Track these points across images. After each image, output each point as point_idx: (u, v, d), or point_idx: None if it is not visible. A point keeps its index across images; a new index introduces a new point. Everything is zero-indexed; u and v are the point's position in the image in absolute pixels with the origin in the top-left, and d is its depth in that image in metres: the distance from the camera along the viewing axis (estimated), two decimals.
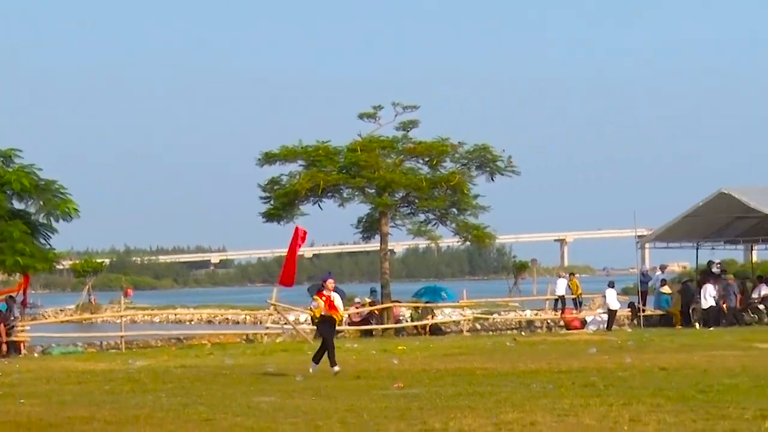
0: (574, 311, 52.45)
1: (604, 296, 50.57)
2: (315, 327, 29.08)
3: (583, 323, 50.77)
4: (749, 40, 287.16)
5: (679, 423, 15.90)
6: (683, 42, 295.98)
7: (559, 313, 52.31)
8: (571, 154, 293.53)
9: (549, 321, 52.49)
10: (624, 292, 62.35)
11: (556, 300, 53.66)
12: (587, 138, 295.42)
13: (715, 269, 53.45)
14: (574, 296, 53.39)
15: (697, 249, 56.48)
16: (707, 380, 22.42)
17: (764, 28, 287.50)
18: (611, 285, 50.08)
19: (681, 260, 75.03)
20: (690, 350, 32.01)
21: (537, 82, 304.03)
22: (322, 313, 27.01)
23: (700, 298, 48.57)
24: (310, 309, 28.46)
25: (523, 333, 48.35)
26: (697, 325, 47.55)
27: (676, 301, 50.65)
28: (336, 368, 26.16)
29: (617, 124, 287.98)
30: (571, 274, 58.75)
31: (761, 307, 48.81)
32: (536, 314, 55.30)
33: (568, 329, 49.41)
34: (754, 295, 49.78)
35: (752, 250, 62.84)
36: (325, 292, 27.25)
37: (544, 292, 59.38)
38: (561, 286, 53.64)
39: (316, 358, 26.90)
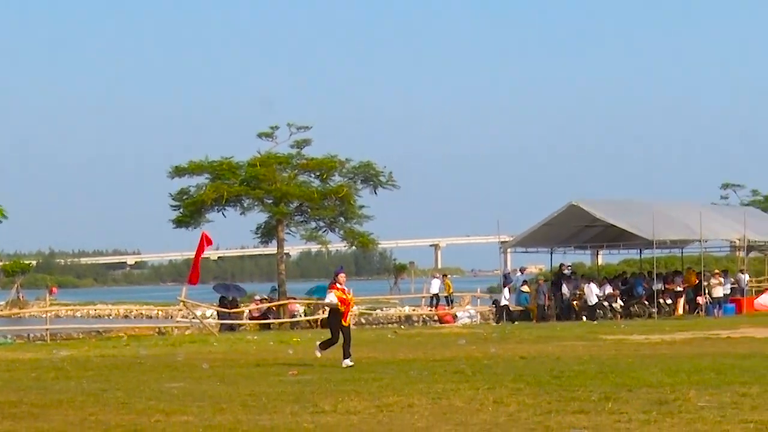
0: (447, 307, 52.80)
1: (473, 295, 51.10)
2: (328, 319, 25.06)
3: (455, 318, 51.08)
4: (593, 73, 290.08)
5: (536, 404, 16.01)
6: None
7: (434, 309, 52.66)
8: (445, 169, 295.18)
9: (425, 316, 52.76)
10: (489, 290, 62.97)
11: (431, 297, 54.10)
12: (459, 155, 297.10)
13: (566, 271, 54.34)
14: (446, 294, 53.96)
15: (551, 253, 57.16)
16: (560, 367, 22.60)
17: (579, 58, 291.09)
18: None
19: (538, 263, 75.68)
20: (545, 341, 32.31)
21: (414, 104, 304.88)
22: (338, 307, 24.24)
23: (545, 296, 49.72)
24: (329, 302, 24.84)
25: (402, 326, 48.48)
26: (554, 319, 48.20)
27: (533, 299, 51.26)
28: (349, 362, 23.81)
29: (485, 144, 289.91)
30: (444, 275, 59.37)
31: (605, 303, 49.47)
32: (414, 310, 55.57)
33: (441, 323, 49.70)
34: (600, 293, 50.44)
35: (598, 254, 63.96)
36: (338, 285, 24.46)
37: (420, 290, 59.76)
38: (435, 286, 54.18)
39: (324, 346, 24.72)
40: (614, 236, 53.85)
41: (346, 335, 24.16)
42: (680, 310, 50.05)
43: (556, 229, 53.11)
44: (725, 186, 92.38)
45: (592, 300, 49.05)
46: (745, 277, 54.50)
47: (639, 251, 59.02)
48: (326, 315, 25.82)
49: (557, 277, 53.04)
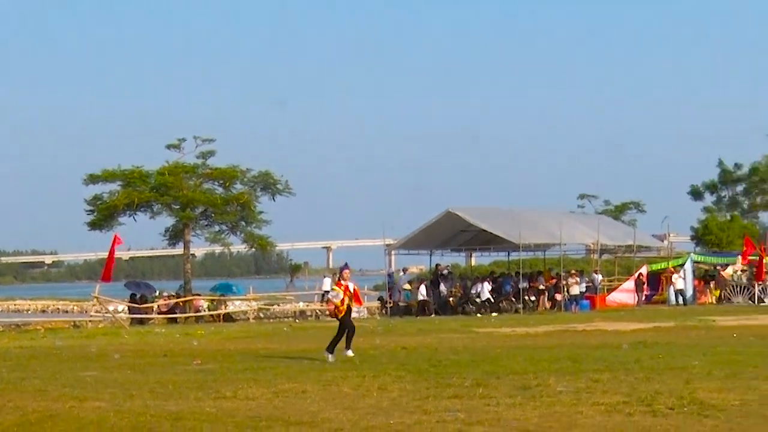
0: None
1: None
2: (338, 317, 22.85)
3: None
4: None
5: (416, 390, 16.12)
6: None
7: (326, 304, 52.64)
8: (337, 178, 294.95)
9: (317, 311, 52.67)
10: (375, 288, 63.13)
11: (323, 294, 54.09)
12: (349, 166, 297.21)
13: (444, 271, 54.73)
14: None
15: (430, 255, 57.45)
16: (437, 356, 22.75)
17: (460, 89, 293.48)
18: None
19: (419, 264, 76.05)
20: (425, 334, 32.45)
21: (309, 119, 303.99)
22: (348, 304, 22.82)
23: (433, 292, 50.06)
24: (331, 300, 23.54)
25: (297, 321, 48.36)
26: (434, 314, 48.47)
27: (415, 296, 51.54)
28: (350, 352, 22.46)
29: (374, 155, 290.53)
30: (334, 274, 59.37)
31: (478, 300, 49.97)
32: (307, 306, 55.45)
33: (332, 317, 49.63)
34: (473, 291, 50.88)
35: (471, 256, 64.50)
36: (343, 282, 22.98)
37: (313, 288, 59.80)
38: (327, 284, 54.17)
39: (330, 348, 22.39)
40: (486, 240, 54.33)
41: (350, 328, 22.74)
42: (543, 306, 50.72)
43: (434, 233, 53.48)
44: (582, 197, 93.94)
45: (485, 296, 49.78)
46: (599, 277, 55.49)
47: (507, 253, 59.53)
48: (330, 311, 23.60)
49: (435, 277, 53.41)
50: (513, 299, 50.39)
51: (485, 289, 50.00)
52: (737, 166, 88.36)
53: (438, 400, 14.98)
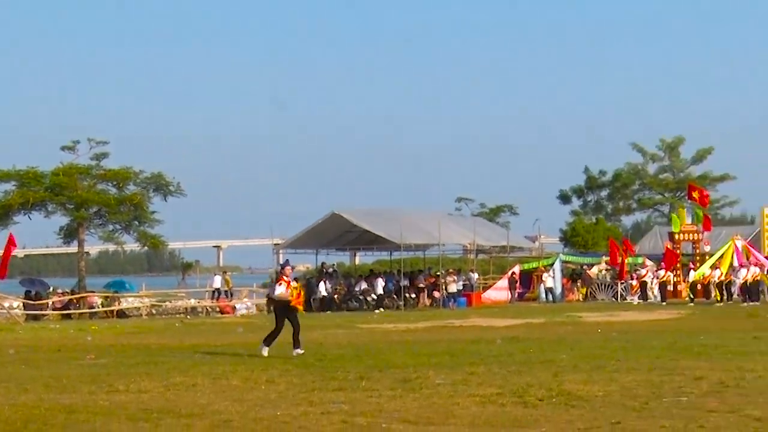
0: (227, 300, 52.53)
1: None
2: (271, 310, 21.81)
3: (234, 309, 50.80)
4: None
5: (302, 383, 16.12)
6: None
7: (216, 301, 52.35)
8: (227, 180, 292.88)
9: (208, 308, 52.25)
10: (264, 286, 62.78)
11: (213, 291, 53.87)
12: (238, 169, 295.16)
13: (329, 270, 54.85)
14: (227, 289, 53.85)
15: (316, 254, 57.50)
16: (323, 351, 22.75)
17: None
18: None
19: (305, 262, 76.09)
20: (311, 329, 32.30)
21: (198, 123, 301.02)
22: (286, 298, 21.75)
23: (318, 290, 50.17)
24: (280, 294, 21.93)
25: (188, 317, 47.83)
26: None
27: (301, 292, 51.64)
28: (299, 350, 21.18)
29: (261, 159, 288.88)
30: (225, 272, 59.26)
31: (361, 297, 50.17)
32: (198, 302, 54.88)
33: (222, 314, 49.32)
34: (357, 288, 51.04)
35: (355, 255, 64.68)
36: (285, 278, 22.04)
37: (204, 285, 59.37)
38: (217, 281, 54.10)
39: (296, 343, 21.35)
40: (369, 240, 54.55)
41: (295, 325, 21.52)
42: (423, 303, 51.07)
43: (320, 233, 53.54)
44: (459, 199, 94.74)
45: (378, 291, 50.13)
46: (475, 276, 56.04)
47: (389, 253, 59.82)
48: (271, 307, 22.86)
49: (321, 275, 53.46)
50: (395, 296, 50.66)
51: (380, 285, 50.29)
52: (602, 172, 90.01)
53: (323, 393, 14.98)
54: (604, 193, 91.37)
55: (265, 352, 21.22)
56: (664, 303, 47.97)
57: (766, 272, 46.75)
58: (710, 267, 48.52)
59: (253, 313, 49.12)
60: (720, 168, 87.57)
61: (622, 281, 53.63)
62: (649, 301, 49.91)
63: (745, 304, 43.82)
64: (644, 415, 12.19)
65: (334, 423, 12.16)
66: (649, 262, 55.48)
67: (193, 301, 54.38)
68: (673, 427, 11.29)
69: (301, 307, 22.20)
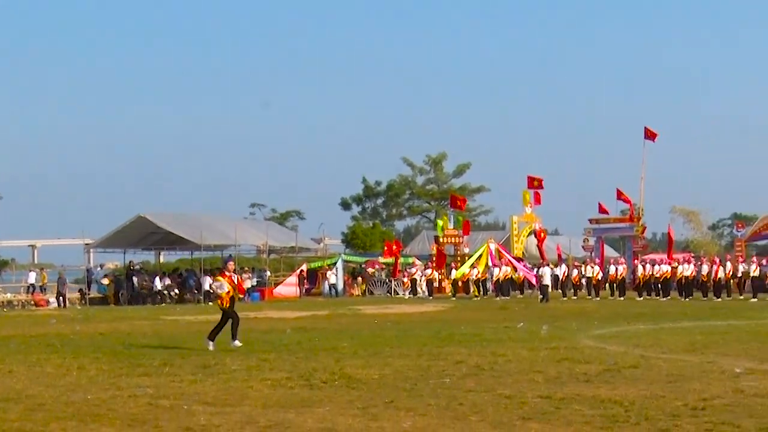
0: (41, 294, 50.76)
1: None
2: (222, 307, 19.99)
3: (48, 303, 49.10)
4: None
5: (111, 370, 15.80)
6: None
7: (31, 296, 50.51)
8: (40, 183, 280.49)
9: (23, 301, 50.33)
10: (75, 281, 60.95)
11: (29, 287, 52.01)
12: (48, 173, 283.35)
13: (136, 267, 53.76)
14: (41, 284, 52.03)
15: (124, 253, 56.26)
16: (130, 340, 22.38)
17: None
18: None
19: (114, 261, 74.14)
20: (120, 321, 31.78)
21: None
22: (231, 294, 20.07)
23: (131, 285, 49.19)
24: (214, 289, 20.78)
25: (5, 310, 45.94)
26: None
27: (110, 288, 50.50)
28: (237, 342, 19.64)
29: (71, 163, 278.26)
30: (40, 269, 57.16)
31: (165, 292, 49.53)
32: (14, 297, 52.83)
33: (37, 307, 47.60)
34: (161, 284, 50.21)
35: (160, 254, 63.50)
36: (227, 273, 20.44)
37: (20, 281, 57.29)
38: (32, 277, 52.23)
39: (212, 336, 19.72)
40: (173, 240, 53.75)
41: (234, 318, 19.94)
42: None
43: (128, 234, 52.51)
44: (253, 205, 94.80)
45: (206, 287, 49.45)
46: (267, 273, 55.96)
47: (191, 252, 59.04)
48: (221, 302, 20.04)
49: (129, 272, 52.30)
50: (196, 291, 50.06)
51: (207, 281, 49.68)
52: (377, 183, 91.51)
53: (130, 378, 14.71)
54: (379, 201, 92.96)
55: (211, 346, 19.27)
56: (431, 297, 49.02)
57: (518, 272, 48.29)
58: (469, 266, 49.84)
59: (63, 306, 47.49)
60: (477, 180, 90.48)
61: (395, 278, 54.53)
62: (418, 295, 50.88)
63: (498, 298, 45.23)
64: (414, 395, 12.43)
65: (140, 405, 11.94)
66: (418, 262, 56.67)
67: (9, 296, 52.28)
68: (437, 404, 11.56)
69: (226, 305, 20.15)
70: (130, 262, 54.51)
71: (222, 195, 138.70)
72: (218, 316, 20.59)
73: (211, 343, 19.47)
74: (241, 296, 20.69)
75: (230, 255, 24.42)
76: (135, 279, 50.47)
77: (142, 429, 10.34)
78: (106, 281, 51.70)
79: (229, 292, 19.94)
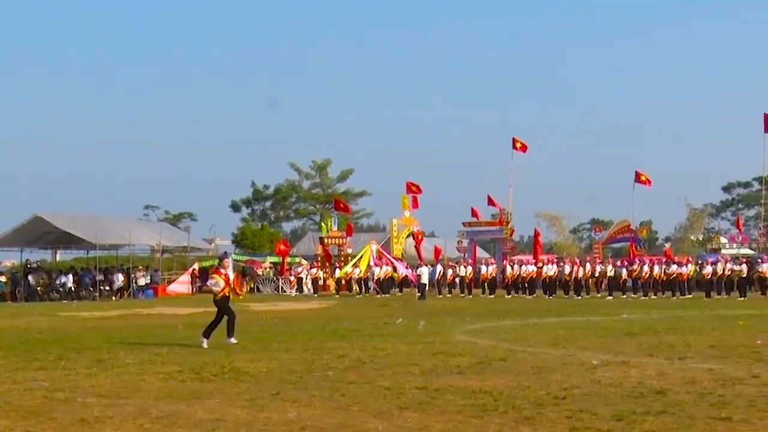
0: None
1: None
2: (216, 303, 18.83)
3: None
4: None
5: (7, 364, 15.38)
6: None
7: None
8: None
9: None
10: None
11: None
12: None
13: (33, 265, 52.32)
14: None
15: (21, 252, 54.63)
16: (26, 336, 21.79)
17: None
18: None
19: (11, 259, 71.97)
20: (16, 317, 30.82)
21: None
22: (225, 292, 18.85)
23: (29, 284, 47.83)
24: (210, 286, 19.41)
25: None
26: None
27: (7, 285, 49.07)
28: (233, 339, 18.51)
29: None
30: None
31: (62, 289, 48.31)
32: None
33: None
34: (57, 282, 48.99)
35: (56, 253, 61.98)
36: (222, 271, 19.31)
37: None
38: None
39: (207, 333, 18.37)
40: (69, 240, 52.39)
41: (230, 316, 18.81)
42: (117, 294, 49.58)
43: (24, 233, 51.00)
44: (147, 207, 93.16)
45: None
46: (159, 272, 55.09)
47: (86, 251, 57.70)
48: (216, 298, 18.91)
49: (26, 270, 50.87)
50: (91, 289, 48.97)
51: (69, 280, 48.53)
52: (266, 186, 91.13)
53: (26, 372, 14.31)
54: (268, 203, 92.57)
55: (205, 344, 18.02)
56: (316, 295, 49.01)
57: (397, 272, 48.63)
58: (352, 266, 50.01)
59: None
60: (359, 185, 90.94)
61: (283, 277, 54.33)
62: (304, 293, 50.80)
63: (379, 296, 45.47)
64: (299, 387, 12.40)
65: (36, 398, 11.62)
66: (304, 261, 56.57)
67: None
68: (321, 396, 11.56)
69: (242, 295, 19.28)
70: (27, 260, 53.02)
71: (117, 197, 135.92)
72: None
73: (205, 340, 18.21)
74: (240, 294, 19.96)
75: (225, 252, 23.45)
76: (31, 277, 49.13)
77: (37, 421, 10.06)
78: (3, 279, 50.14)
79: (224, 289, 18.82)
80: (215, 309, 19.08)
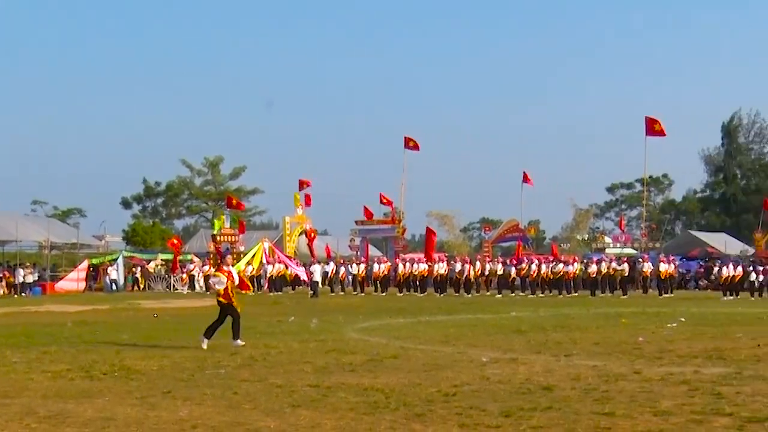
0: None
1: None
2: (220, 303, 17.52)
3: None
4: None
5: None
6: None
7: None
8: None
9: None
10: None
11: None
12: None
13: None
14: None
15: None
16: None
17: None
18: None
19: None
20: None
21: None
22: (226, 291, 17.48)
23: None
24: (213, 284, 18.12)
25: None
26: None
27: None
28: (240, 342, 17.20)
29: None
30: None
31: None
32: None
33: None
34: None
35: None
36: (225, 268, 17.98)
37: None
38: None
39: (208, 334, 17.25)
40: None
41: (234, 316, 17.47)
42: (2, 291, 48.11)
43: None
44: (35, 202, 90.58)
45: (20, 279, 47.63)
46: (47, 269, 53.70)
47: None
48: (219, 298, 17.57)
49: None
50: None
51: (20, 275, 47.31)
52: (157, 183, 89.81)
53: None
54: (159, 200, 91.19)
55: (205, 344, 16.96)
56: (208, 292, 48.42)
57: (290, 270, 48.43)
58: (245, 263, 49.64)
59: None
60: (252, 183, 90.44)
61: (174, 274, 53.57)
62: (196, 291, 50.19)
63: (272, 294, 45.25)
64: (191, 385, 12.26)
65: None
66: (196, 259, 55.88)
67: None
68: (213, 394, 11.45)
69: (251, 289, 17.32)
70: None
71: (2, 191, 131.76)
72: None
73: (205, 340, 17.07)
74: (250, 289, 17.97)
75: (228, 248, 21.95)
76: None
77: None
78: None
79: (227, 287, 17.52)
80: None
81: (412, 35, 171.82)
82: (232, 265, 18.58)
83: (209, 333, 17.30)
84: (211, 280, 17.93)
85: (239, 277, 18.68)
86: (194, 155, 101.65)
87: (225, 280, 17.55)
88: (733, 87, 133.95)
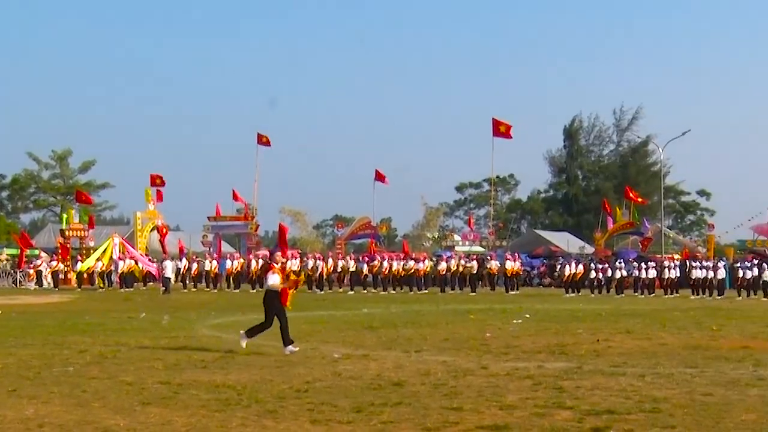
0: None
1: None
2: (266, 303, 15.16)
3: None
4: None
5: None
6: None
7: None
8: None
9: None
10: None
11: None
12: None
13: None
14: None
15: None
16: None
17: None
18: None
19: None
20: None
21: None
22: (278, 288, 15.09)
23: None
24: (270, 284, 15.19)
25: None
26: None
27: None
28: (294, 348, 15.15)
29: None
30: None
31: None
32: None
33: None
34: None
35: None
36: (276, 265, 15.54)
37: None
38: None
39: (251, 333, 15.50)
40: None
41: (283, 320, 15.15)
42: None
43: None
44: None
45: None
46: None
47: None
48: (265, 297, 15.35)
49: None
50: None
51: None
52: (2, 176, 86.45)
53: None
54: (4, 194, 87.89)
55: (244, 343, 15.49)
56: (56, 288, 47.00)
57: (141, 265, 47.41)
58: (95, 259, 48.33)
59: None
60: (102, 177, 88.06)
61: (21, 269, 51.71)
62: (43, 286, 48.60)
63: (122, 290, 44.21)
64: (37, 383, 11.88)
65: None
66: (44, 254, 54.05)
67: None
68: (60, 392, 11.13)
69: (290, 291, 15.16)
70: None
71: None
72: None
73: (246, 339, 15.60)
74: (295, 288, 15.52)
75: (276, 247, 19.52)
76: None
77: None
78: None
79: (283, 284, 15.36)
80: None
81: (279, 32, 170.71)
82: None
83: (252, 333, 15.68)
84: (269, 281, 15.32)
85: (289, 274, 17.48)
86: (41, 148, 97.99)
87: (279, 276, 15.45)
88: (575, 91, 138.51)
